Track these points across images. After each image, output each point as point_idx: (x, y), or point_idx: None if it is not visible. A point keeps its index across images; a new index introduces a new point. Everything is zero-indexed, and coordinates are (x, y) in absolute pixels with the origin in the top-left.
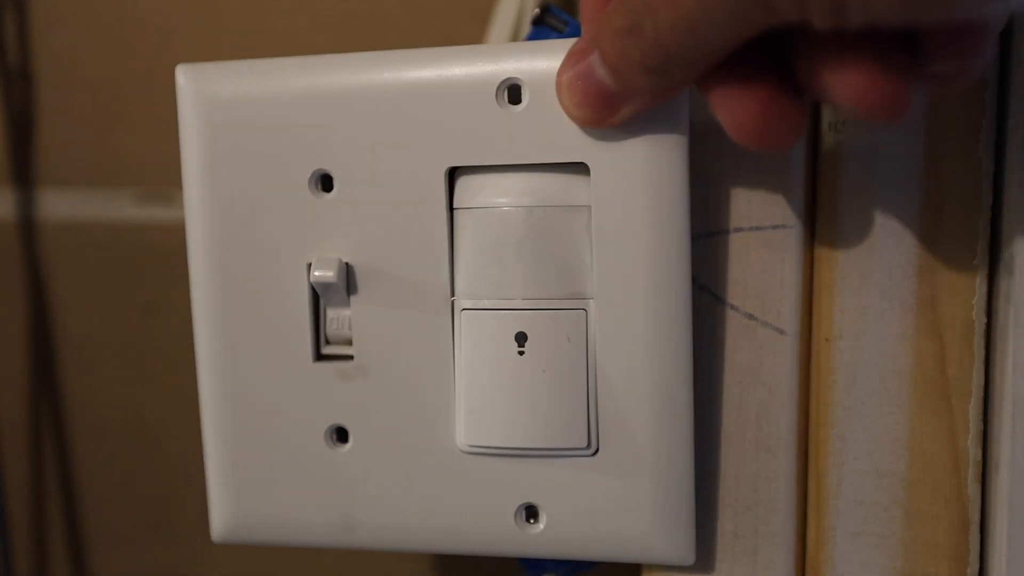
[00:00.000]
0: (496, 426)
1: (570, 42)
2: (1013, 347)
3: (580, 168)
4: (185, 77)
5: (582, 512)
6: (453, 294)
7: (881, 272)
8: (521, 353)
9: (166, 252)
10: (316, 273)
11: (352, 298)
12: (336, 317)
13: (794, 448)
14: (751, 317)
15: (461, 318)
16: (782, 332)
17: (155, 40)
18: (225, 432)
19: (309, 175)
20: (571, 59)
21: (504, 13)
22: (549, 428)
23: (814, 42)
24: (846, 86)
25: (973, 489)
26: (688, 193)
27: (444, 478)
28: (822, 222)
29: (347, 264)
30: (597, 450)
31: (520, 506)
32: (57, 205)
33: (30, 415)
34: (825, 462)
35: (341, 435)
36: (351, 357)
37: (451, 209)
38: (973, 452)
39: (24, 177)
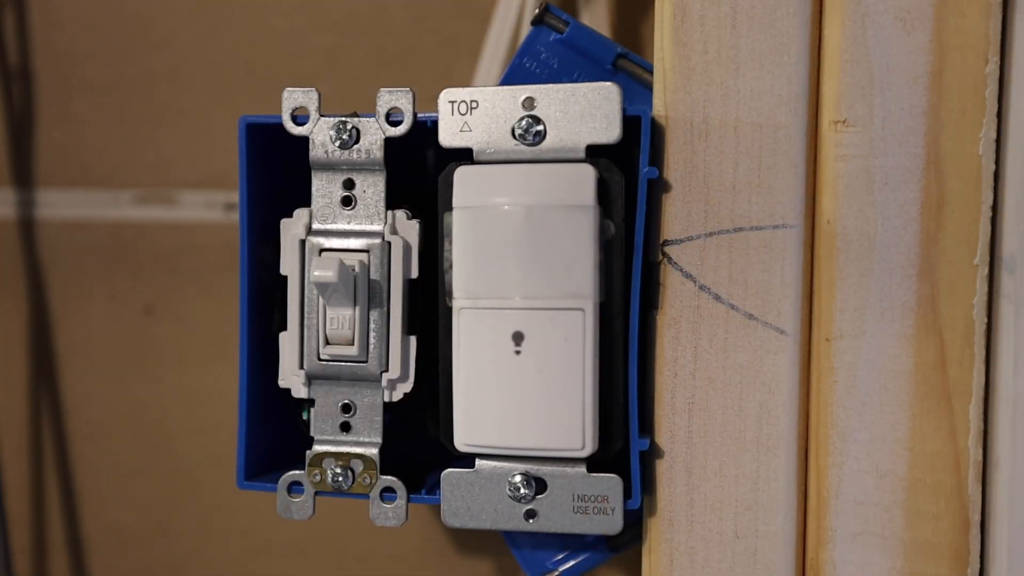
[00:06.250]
0: (491, 427)
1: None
2: (1013, 347)
3: (582, 167)
4: None
5: None
6: (451, 293)
7: (881, 272)
8: (518, 353)
9: (166, 252)
10: (316, 273)
11: None
12: (336, 317)
13: (794, 448)
14: (751, 317)
15: (459, 317)
16: (782, 332)
17: (155, 40)
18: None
19: None
20: None
21: (504, 13)
22: (544, 429)
23: None
24: None
25: (974, 489)
26: None
27: None
28: (822, 222)
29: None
30: (593, 453)
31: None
32: (57, 205)
33: (30, 415)
34: (825, 462)
35: None
36: None
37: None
38: (973, 452)
39: (24, 177)
